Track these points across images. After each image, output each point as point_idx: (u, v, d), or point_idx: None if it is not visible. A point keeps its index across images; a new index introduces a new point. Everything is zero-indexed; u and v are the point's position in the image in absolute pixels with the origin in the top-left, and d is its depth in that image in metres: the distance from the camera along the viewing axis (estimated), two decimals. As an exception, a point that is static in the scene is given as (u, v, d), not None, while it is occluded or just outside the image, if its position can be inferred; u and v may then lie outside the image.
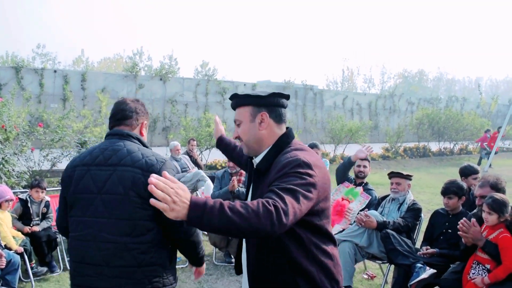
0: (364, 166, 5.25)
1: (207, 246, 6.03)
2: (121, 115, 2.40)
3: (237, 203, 1.65)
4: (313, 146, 6.42)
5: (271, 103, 2.07)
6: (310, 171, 1.85)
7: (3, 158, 7.37)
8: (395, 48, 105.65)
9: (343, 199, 5.10)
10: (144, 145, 2.38)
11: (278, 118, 2.09)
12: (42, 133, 9.18)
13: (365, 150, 5.20)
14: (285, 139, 2.07)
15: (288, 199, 1.72)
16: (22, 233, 4.95)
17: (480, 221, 3.56)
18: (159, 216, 1.98)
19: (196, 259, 2.52)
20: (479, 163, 16.77)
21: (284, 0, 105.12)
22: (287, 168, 1.86)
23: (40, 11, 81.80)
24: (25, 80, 18.01)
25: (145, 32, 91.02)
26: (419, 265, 3.95)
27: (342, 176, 5.45)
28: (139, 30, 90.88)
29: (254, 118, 2.06)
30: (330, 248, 2.03)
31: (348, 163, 5.38)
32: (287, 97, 2.13)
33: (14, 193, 5.43)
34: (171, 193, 1.53)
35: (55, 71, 19.38)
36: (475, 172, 4.92)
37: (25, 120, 9.57)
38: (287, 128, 2.13)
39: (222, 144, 2.85)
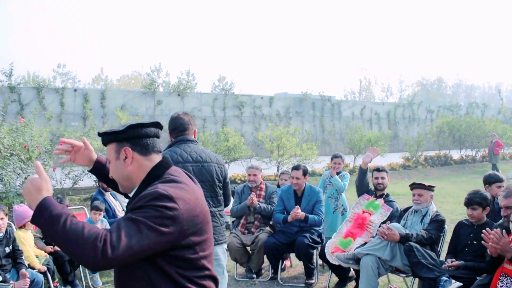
0: (382, 178, 5.19)
1: (228, 261, 6.00)
2: (183, 127, 3.47)
3: (85, 224, 1.66)
4: (336, 156, 6.36)
5: (131, 135, 1.93)
6: (168, 204, 1.72)
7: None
8: (413, 56, 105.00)
9: (363, 211, 5.04)
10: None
11: (145, 150, 1.94)
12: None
13: (371, 154, 5.16)
14: (156, 172, 1.93)
15: (125, 232, 1.65)
16: (45, 252, 5.00)
17: (507, 232, 3.47)
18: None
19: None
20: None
21: (300, 12, 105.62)
22: (142, 201, 1.75)
23: (60, 31, 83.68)
24: (46, 100, 18.39)
25: (163, 48, 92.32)
26: (444, 278, 3.86)
27: (360, 187, 5.42)
28: (157, 46, 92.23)
29: (118, 155, 1.94)
30: (207, 283, 1.90)
31: (361, 173, 5.38)
32: (152, 125, 1.98)
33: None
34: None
35: (75, 90, 19.75)
36: (500, 180, 4.81)
37: (47, 139, 9.71)
38: (163, 157, 2.00)
39: (99, 168, 2.36)
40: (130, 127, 1.93)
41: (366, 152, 5.40)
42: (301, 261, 5.43)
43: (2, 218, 4.30)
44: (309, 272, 5.34)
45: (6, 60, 74.03)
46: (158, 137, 2.01)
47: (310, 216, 5.27)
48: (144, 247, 1.67)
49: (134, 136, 1.93)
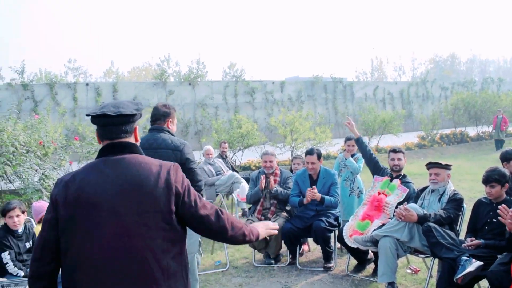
0: (399, 159, 5.13)
1: (245, 248, 6.04)
2: (155, 117, 3.89)
3: None
4: (349, 138, 6.32)
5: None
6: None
7: (43, 174, 7.60)
8: (424, 33, 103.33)
9: (379, 193, 5.00)
10: (172, 134, 3.85)
11: (99, 137, 2.09)
12: (79, 146, 9.40)
13: (348, 125, 5.40)
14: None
15: None
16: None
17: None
18: None
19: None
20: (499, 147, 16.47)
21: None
22: None
23: (69, 26, 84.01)
24: (59, 95, 18.54)
25: (172, 38, 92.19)
26: (464, 258, 3.81)
27: (367, 159, 5.47)
28: (166, 36, 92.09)
29: None
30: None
31: (357, 144, 5.51)
32: (95, 116, 2.01)
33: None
34: None
35: (87, 84, 19.86)
36: None
37: (62, 134, 9.81)
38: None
39: None
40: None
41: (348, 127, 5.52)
42: (319, 245, 5.41)
43: (18, 215, 4.36)
44: (327, 255, 5.33)
45: (17, 58, 74.72)
46: (102, 125, 2.05)
47: (326, 197, 5.27)
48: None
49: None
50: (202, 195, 3.74)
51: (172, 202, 1.95)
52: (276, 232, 2.47)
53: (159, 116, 3.86)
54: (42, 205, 4.95)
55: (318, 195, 5.21)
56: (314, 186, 5.24)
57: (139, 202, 1.90)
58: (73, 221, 1.88)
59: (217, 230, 2.09)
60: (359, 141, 5.46)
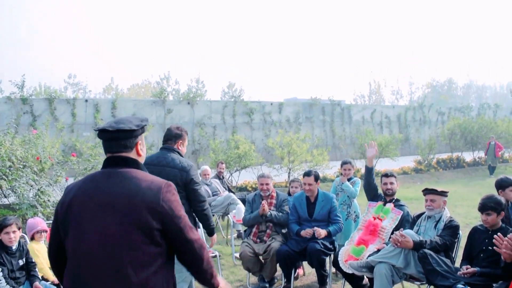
0: (391, 183, 5.15)
1: (240, 270, 5.99)
2: (166, 137, 4.19)
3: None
4: (345, 162, 6.35)
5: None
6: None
7: (39, 189, 7.55)
8: (422, 58, 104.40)
9: (374, 218, 5.00)
10: (180, 155, 4.13)
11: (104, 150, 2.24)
12: (76, 163, 9.38)
13: (371, 148, 5.23)
14: None
15: None
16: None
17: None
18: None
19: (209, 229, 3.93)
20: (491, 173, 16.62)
21: (309, 17, 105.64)
22: None
23: (70, 42, 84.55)
24: (58, 111, 18.58)
25: (172, 56, 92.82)
26: (460, 285, 3.80)
27: (368, 188, 5.46)
28: (166, 54, 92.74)
29: None
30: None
31: (367, 172, 5.44)
32: (98, 130, 2.18)
33: (49, 223, 5.52)
34: None
35: (86, 101, 19.92)
36: None
37: (59, 150, 9.79)
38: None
39: None
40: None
41: (368, 148, 5.43)
42: (314, 269, 5.38)
43: (14, 232, 4.33)
44: (322, 280, 5.30)
45: (18, 72, 74.99)
46: (104, 140, 2.18)
47: (331, 228, 5.32)
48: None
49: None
50: (206, 214, 4.12)
51: (154, 219, 1.99)
52: None
53: (171, 137, 4.16)
54: (36, 221, 4.92)
55: (323, 232, 5.22)
56: (316, 228, 5.22)
57: (123, 215, 1.97)
58: (67, 224, 2.04)
59: (197, 257, 2.12)
60: (371, 171, 5.45)
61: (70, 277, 2.02)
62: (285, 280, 5.48)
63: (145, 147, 2.32)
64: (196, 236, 2.12)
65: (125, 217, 1.97)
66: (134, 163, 2.16)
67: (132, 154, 2.18)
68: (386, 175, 5.24)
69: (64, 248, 2.08)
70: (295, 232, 5.34)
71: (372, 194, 5.41)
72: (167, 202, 2.04)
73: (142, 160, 2.25)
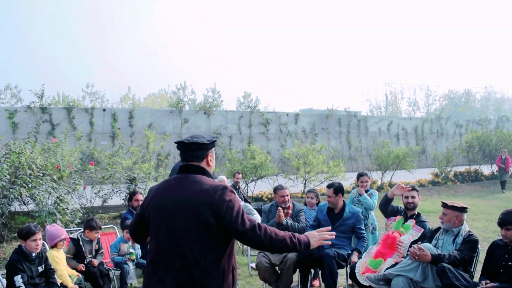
0: (413, 197, 5.11)
1: (256, 281, 5.99)
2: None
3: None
4: (361, 175, 6.35)
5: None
6: None
7: (57, 197, 7.67)
8: (440, 69, 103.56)
9: (393, 232, 4.97)
10: None
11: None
12: (93, 171, 9.50)
13: (401, 189, 5.10)
14: None
15: None
16: (77, 270, 5.08)
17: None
18: None
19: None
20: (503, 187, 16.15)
21: (326, 28, 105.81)
22: None
23: (88, 51, 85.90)
24: (76, 120, 18.85)
25: (188, 66, 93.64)
26: (479, 300, 3.75)
27: (385, 211, 5.42)
28: (182, 64, 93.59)
29: None
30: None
31: (386, 200, 5.36)
32: (176, 143, 2.70)
33: (68, 231, 5.61)
34: None
35: (104, 110, 20.18)
36: None
37: (77, 158, 9.95)
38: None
39: None
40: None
41: (399, 184, 5.30)
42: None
43: (40, 239, 4.43)
44: None
45: (37, 81, 76.31)
46: (181, 150, 2.70)
47: (359, 246, 5.40)
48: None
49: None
50: None
51: (211, 216, 2.43)
52: (329, 242, 2.81)
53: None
54: (57, 229, 5.00)
55: (355, 257, 5.23)
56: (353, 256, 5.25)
57: (186, 212, 2.45)
58: (149, 218, 2.59)
59: (255, 243, 2.55)
60: (390, 201, 5.39)
61: (150, 261, 2.54)
62: (301, 286, 5.44)
63: (215, 159, 2.81)
64: (248, 226, 2.49)
65: (188, 212, 2.44)
66: (202, 171, 2.64)
67: (203, 164, 2.66)
68: (396, 195, 5.22)
69: (144, 226, 2.66)
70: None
71: (388, 211, 5.39)
72: (221, 201, 2.46)
73: (211, 170, 2.71)
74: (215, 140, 2.73)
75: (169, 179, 2.69)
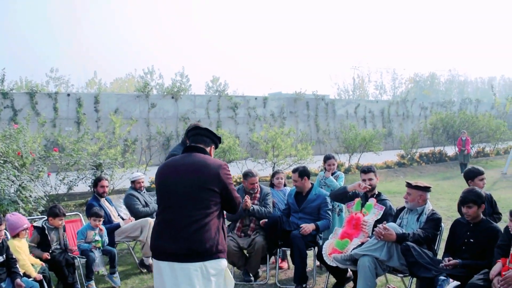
0: (370, 179, 5.14)
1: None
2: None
3: None
4: (328, 157, 6.39)
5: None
6: None
7: (20, 185, 7.44)
8: (406, 53, 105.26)
9: (356, 213, 5.03)
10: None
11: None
12: (58, 158, 9.26)
13: (362, 187, 5.12)
14: None
15: None
16: (41, 259, 4.96)
17: None
18: None
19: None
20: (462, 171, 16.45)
21: (293, 11, 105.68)
22: None
23: (53, 35, 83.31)
24: (39, 105, 18.31)
25: (156, 50, 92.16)
26: (442, 277, 3.85)
27: (339, 200, 5.56)
28: (150, 48, 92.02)
29: None
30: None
31: (343, 192, 5.36)
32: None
33: (31, 219, 5.45)
34: None
35: (68, 95, 19.67)
36: (481, 173, 4.92)
37: (41, 145, 9.65)
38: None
39: None
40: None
41: (358, 183, 5.22)
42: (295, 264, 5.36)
43: (3, 230, 4.30)
44: (300, 277, 5.19)
45: (-2, 66, 73.64)
46: (194, 134, 3.43)
47: (319, 222, 5.37)
48: None
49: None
50: None
51: (216, 185, 3.12)
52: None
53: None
54: (19, 218, 4.84)
55: (311, 226, 5.26)
56: (303, 225, 5.26)
57: (195, 180, 3.10)
58: (158, 191, 3.26)
59: (235, 207, 3.36)
60: (346, 194, 5.38)
61: (161, 216, 3.19)
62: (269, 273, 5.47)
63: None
64: (237, 195, 3.31)
65: (197, 181, 3.10)
66: (205, 152, 3.31)
67: (207, 149, 3.35)
68: (364, 171, 5.25)
69: None
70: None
71: (344, 201, 5.45)
72: (224, 175, 3.17)
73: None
74: (220, 141, 3.53)
75: (176, 156, 3.37)
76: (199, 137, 3.32)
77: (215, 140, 3.41)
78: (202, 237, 3.01)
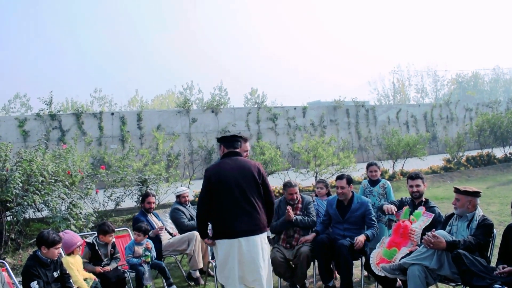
0: (417, 185, 5.06)
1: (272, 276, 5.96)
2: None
3: None
4: (371, 164, 6.31)
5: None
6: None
7: (70, 203, 7.72)
8: (446, 53, 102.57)
9: (404, 221, 4.92)
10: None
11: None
12: (105, 175, 9.54)
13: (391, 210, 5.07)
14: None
15: None
16: (94, 273, 5.12)
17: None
18: None
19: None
20: None
21: (328, 19, 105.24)
22: None
23: (95, 56, 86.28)
24: (85, 125, 18.98)
25: (194, 65, 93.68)
26: (497, 286, 3.70)
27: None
28: (188, 64, 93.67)
29: None
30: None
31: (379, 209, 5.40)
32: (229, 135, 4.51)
33: (82, 235, 5.63)
34: None
35: (112, 114, 20.28)
36: None
37: (88, 163, 9.99)
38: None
39: None
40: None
41: (389, 206, 5.17)
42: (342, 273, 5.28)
43: (60, 247, 4.51)
44: (346, 287, 5.14)
45: (45, 89, 76.83)
46: (232, 140, 4.50)
47: (368, 232, 5.28)
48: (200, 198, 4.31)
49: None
50: None
51: (259, 178, 4.26)
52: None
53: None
54: (72, 236, 5.02)
55: (362, 238, 5.17)
56: (359, 239, 5.16)
57: (247, 175, 4.22)
58: (218, 188, 4.17)
59: (272, 199, 4.41)
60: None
61: (221, 209, 4.16)
62: (327, 275, 5.36)
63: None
64: (271, 189, 4.41)
65: (248, 175, 4.22)
66: (241, 155, 4.43)
67: (239, 150, 4.46)
68: (411, 177, 5.15)
69: (209, 202, 4.21)
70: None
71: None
72: (262, 170, 4.35)
73: None
74: (244, 138, 4.85)
75: (224, 160, 4.33)
76: (235, 142, 4.42)
77: (241, 141, 4.56)
78: (260, 217, 4.19)
